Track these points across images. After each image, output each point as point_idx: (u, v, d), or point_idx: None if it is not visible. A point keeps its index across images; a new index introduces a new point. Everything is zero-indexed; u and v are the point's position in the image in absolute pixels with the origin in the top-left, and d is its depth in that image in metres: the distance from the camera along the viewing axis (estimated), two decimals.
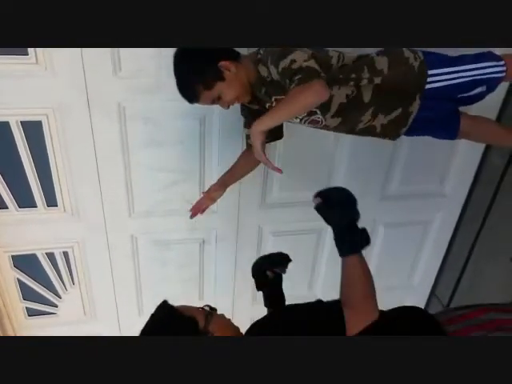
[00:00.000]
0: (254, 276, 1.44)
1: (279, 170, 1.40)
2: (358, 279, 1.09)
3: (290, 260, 1.43)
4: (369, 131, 1.62)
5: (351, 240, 1.11)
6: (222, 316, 1.17)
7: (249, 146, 1.76)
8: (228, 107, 1.55)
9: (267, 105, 1.57)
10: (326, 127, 1.61)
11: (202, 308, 1.14)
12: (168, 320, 1.10)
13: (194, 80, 1.47)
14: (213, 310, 1.15)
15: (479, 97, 1.59)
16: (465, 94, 1.57)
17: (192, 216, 1.83)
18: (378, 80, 1.49)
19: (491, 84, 1.57)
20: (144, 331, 1.09)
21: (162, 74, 1.80)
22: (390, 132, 1.62)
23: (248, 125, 1.73)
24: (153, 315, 1.12)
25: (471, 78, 1.52)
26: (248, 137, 1.74)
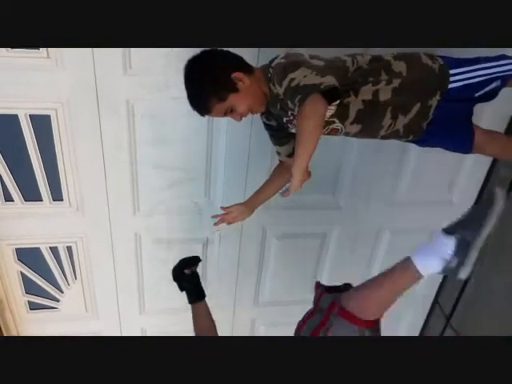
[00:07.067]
0: (174, 279, 1.74)
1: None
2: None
3: (199, 260, 1.76)
4: (393, 136, 1.58)
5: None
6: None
7: (280, 162, 1.76)
8: (240, 119, 1.51)
9: (285, 119, 1.54)
10: (347, 134, 1.58)
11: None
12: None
13: (206, 92, 1.42)
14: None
15: (493, 93, 1.56)
16: (481, 92, 1.53)
17: (216, 224, 1.85)
18: (396, 82, 1.46)
19: (505, 79, 1.53)
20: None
21: (171, 72, 1.80)
22: (413, 128, 1.56)
23: (275, 141, 1.71)
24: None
25: (490, 76, 1.50)
26: (279, 153, 1.74)
